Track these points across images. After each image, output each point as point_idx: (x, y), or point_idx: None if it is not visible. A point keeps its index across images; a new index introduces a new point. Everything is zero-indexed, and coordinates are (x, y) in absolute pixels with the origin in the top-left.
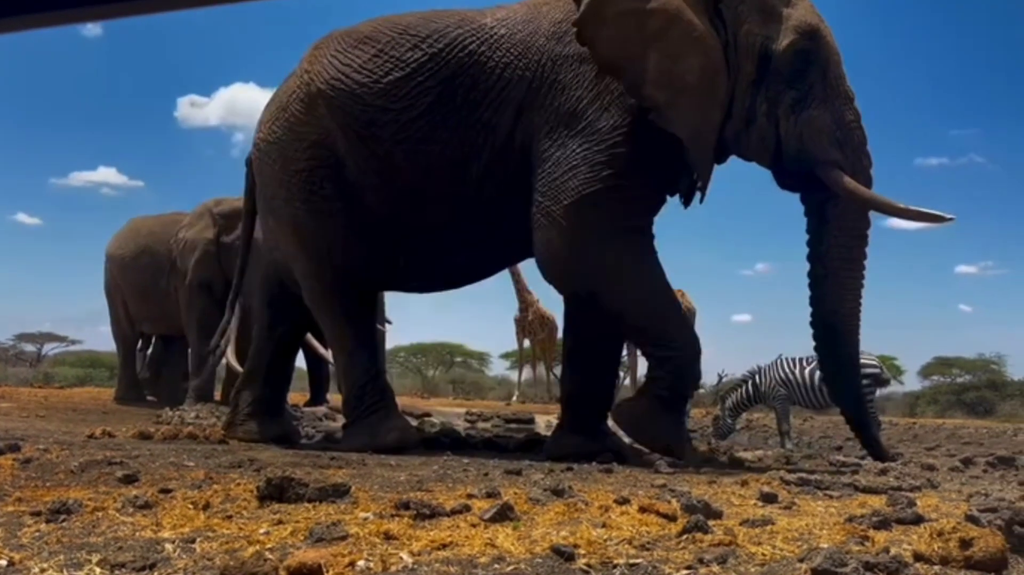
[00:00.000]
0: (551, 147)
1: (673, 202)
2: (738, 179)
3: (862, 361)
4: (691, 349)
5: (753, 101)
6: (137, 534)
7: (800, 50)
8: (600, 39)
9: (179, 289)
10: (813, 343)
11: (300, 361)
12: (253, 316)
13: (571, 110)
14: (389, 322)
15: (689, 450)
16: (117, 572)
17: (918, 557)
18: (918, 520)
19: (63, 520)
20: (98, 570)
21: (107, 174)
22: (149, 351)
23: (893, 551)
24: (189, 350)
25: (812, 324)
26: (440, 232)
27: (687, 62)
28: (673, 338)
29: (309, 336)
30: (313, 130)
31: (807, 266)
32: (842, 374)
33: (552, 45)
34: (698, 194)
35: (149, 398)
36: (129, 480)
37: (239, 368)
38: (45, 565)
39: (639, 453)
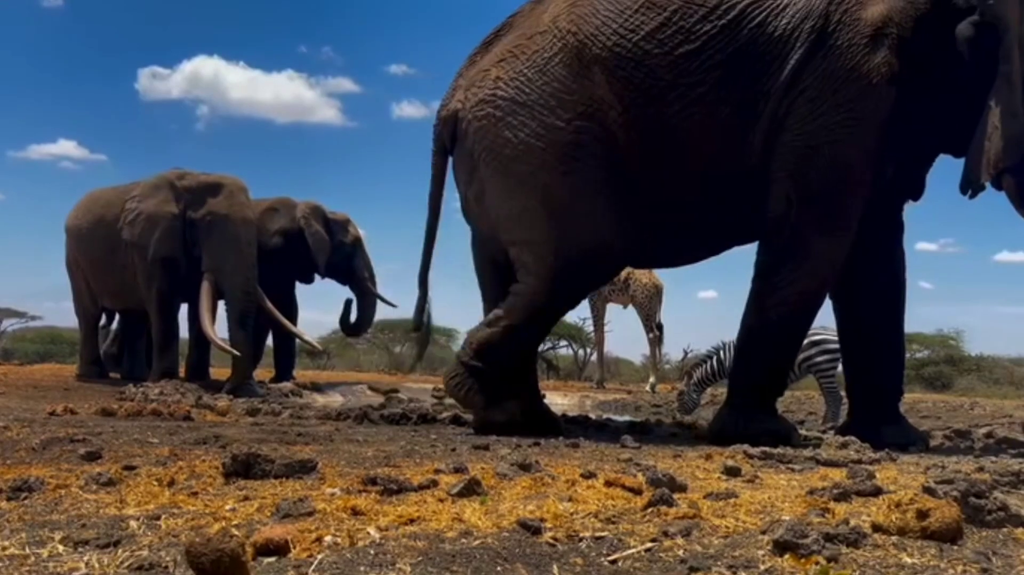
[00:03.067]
0: (813, 131)
1: None
2: None
3: (824, 336)
4: None
5: None
6: (101, 511)
7: None
8: None
9: (136, 263)
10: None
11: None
12: (229, 286)
13: (835, 85)
14: (394, 305)
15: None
16: (81, 549)
17: (876, 528)
18: (877, 492)
19: (24, 498)
20: (61, 548)
21: (67, 147)
22: (113, 326)
23: (853, 522)
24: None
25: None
26: (702, 211)
27: None
28: None
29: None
30: (582, 98)
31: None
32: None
33: (830, 8)
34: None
35: (112, 375)
36: (92, 457)
37: (217, 340)
38: (6, 543)
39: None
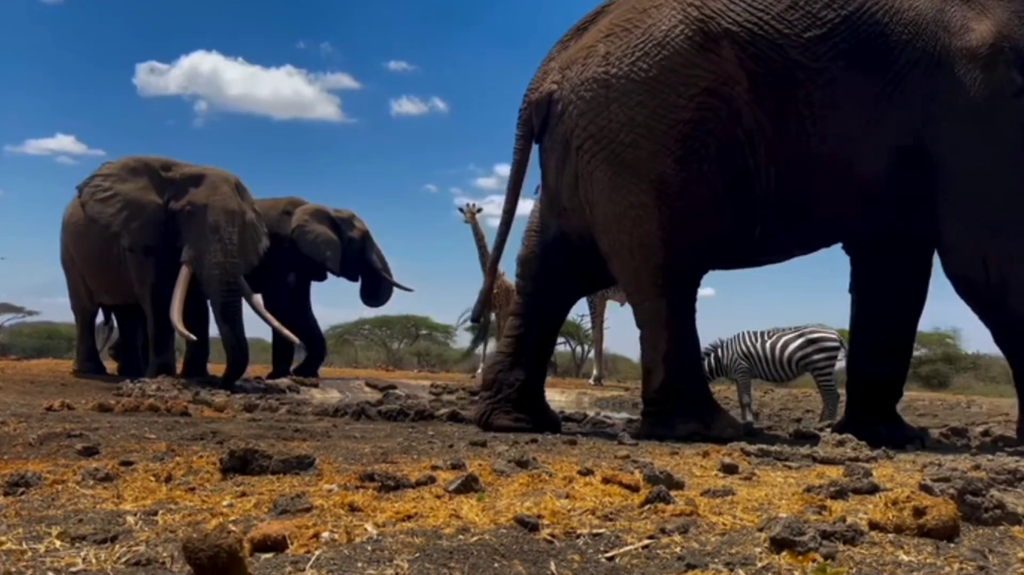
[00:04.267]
0: (956, 150)
1: None
2: None
3: (821, 335)
4: None
5: None
6: (98, 507)
7: None
8: None
9: (129, 259)
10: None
11: (263, 332)
12: (204, 273)
13: (970, 105)
14: (411, 289)
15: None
16: (78, 545)
17: (873, 525)
18: (874, 490)
19: (22, 493)
20: (58, 543)
21: (65, 142)
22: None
23: (849, 520)
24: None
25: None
26: (813, 203)
27: None
28: None
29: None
30: (709, 74)
31: None
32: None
33: (943, 16)
34: None
35: (109, 372)
36: (89, 452)
37: (185, 332)
38: (4, 538)
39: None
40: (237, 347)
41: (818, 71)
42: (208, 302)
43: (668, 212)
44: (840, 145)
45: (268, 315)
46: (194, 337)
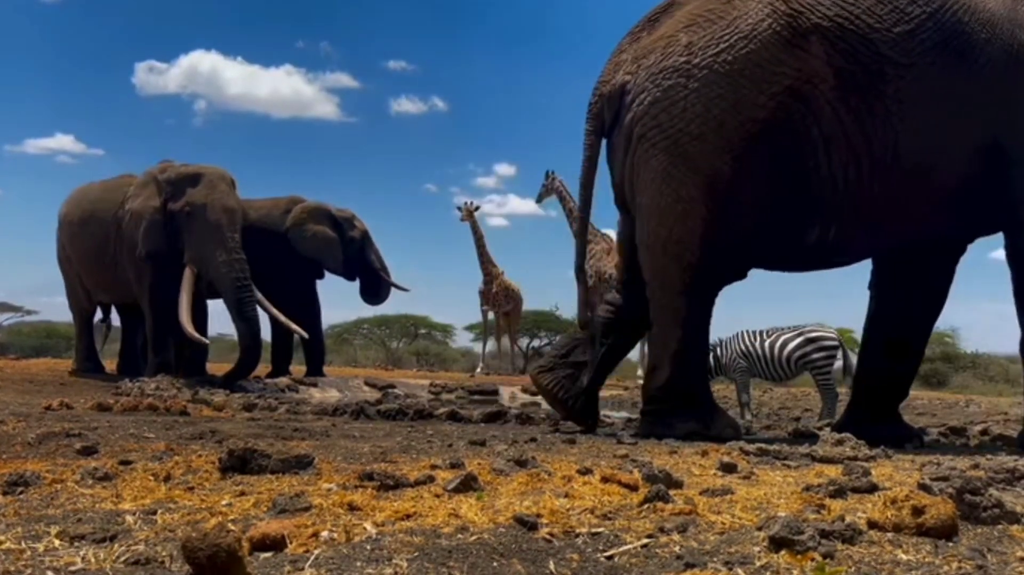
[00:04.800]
0: None
1: None
2: None
3: (820, 334)
4: None
5: None
6: (97, 506)
7: None
8: None
9: (127, 259)
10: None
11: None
12: (215, 278)
13: None
14: (407, 289)
15: None
16: (77, 544)
17: (872, 524)
18: (873, 489)
19: (20, 493)
20: (57, 542)
21: (64, 141)
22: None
23: (848, 519)
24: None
25: None
26: (890, 205)
27: None
28: None
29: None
30: (793, 72)
31: None
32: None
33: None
34: None
35: (108, 371)
36: (88, 452)
37: (196, 335)
38: (2, 537)
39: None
40: (252, 346)
41: (907, 66)
42: (205, 301)
43: (714, 210)
44: (926, 144)
45: (273, 309)
46: (206, 340)
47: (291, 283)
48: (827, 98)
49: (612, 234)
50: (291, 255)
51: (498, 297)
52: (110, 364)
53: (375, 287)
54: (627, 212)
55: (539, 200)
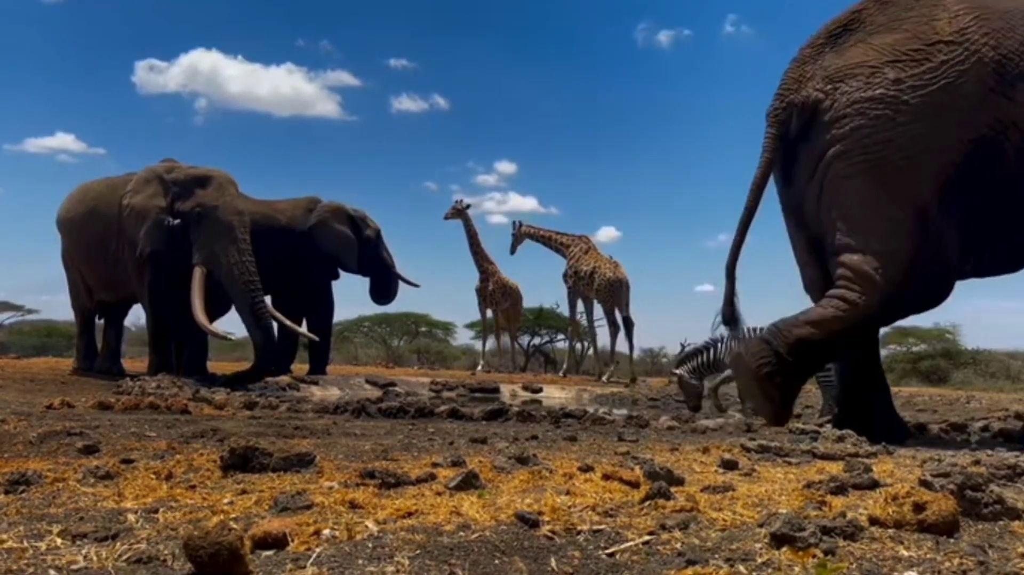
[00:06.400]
0: None
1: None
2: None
3: None
4: None
5: None
6: (99, 505)
7: None
8: None
9: (127, 256)
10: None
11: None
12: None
13: None
14: (418, 285)
15: None
16: (79, 543)
17: (873, 521)
18: (874, 485)
19: (22, 491)
20: (59, 541)
21: (65, 140)
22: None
23: (849, 515)
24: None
25: None
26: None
27: None
28: None
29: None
30: (989, 118)
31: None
32: None
33: None
34: None
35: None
36: (89, 451)
37: (213, 330)
38: (4, 536)
39: None
40: (267, 353)
41: None
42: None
43: (920, 235)
44: None
45: (279, 315)
46: (229, 336)
47: (311, 282)
48: (1017, 146)
49: (590, 238)
50: (312, 255)
51: (495, 295)
52: (130, 364)
53: (386, 286)
54: (799, 218)
55: (512, 252)
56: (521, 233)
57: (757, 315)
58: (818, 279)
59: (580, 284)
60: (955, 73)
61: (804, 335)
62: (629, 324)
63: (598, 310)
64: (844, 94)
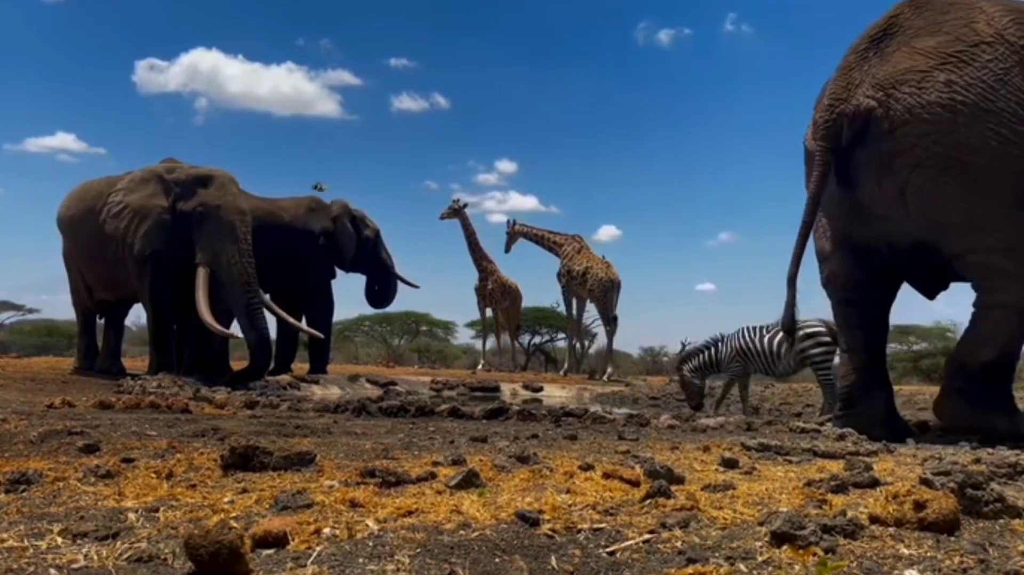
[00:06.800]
0: None
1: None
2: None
3: (818, 329)
4: None
5: None
6: (99, 504)
7: None
8: None
9: (126, 257)
10: None
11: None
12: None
13: None
14: (417, 286)
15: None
16: (79, 542)
17: (874, 519)
18: (874, 484)
19: (23, 490)
20: (60, 540)
21: (65, 140)
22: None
23: (850, 514)
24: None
25: None
26: None
27: None
28: None
29: (270, 302)
30: None
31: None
32: None
33: None
34: None
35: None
36: (90, 450)
37: (221, 329)
38: (5, 535)
39: None
40: (261, 353)
41: None
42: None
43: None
44: None
45: (281, 312)
46: (236, 334)
47: (312, 281)
48: None
49: (583, 237)
50: (314, 253)
51: (495, 294)
52: (131, 363)
53: (384, 290)
54: (866, 223)
55: (507, 250)
56: (515, 232)
57: (754, 315)
58: (840, 273)
59: (573, 283)
60: (1002, 70)
61: (990, 358)
62: (614, 323)
63: (592, 310)
64: (898, 101)
